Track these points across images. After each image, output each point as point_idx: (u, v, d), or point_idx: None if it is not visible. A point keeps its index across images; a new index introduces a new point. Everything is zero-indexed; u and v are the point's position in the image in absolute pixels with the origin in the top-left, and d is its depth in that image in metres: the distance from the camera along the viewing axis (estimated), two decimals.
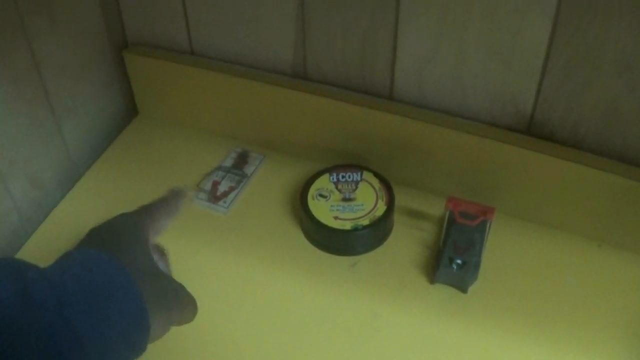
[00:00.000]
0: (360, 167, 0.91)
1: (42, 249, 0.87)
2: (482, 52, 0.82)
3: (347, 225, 0.85)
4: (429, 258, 0.86)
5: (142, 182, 0.95)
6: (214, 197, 0.93)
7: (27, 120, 0.87)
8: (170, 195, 0.71)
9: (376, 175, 0.90)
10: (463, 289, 0.82)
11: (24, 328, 0.46)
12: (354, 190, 0.89)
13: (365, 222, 0.85)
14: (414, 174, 0.92)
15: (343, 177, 0.90)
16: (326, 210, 0.87)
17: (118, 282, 0.53)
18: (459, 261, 0.81)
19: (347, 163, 0.92)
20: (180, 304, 0.61)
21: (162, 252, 0.67)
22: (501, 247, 0.86)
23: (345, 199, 0.88)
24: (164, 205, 0.69)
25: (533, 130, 0.86)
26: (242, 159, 0.98)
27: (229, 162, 0.97)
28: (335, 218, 0.86)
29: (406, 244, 0.88)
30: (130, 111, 1.06)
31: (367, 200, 0.87)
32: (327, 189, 0.89)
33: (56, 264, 0.53)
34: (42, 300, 0.48)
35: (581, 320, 0.79)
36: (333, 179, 0.90)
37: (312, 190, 0.89)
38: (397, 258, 0.86)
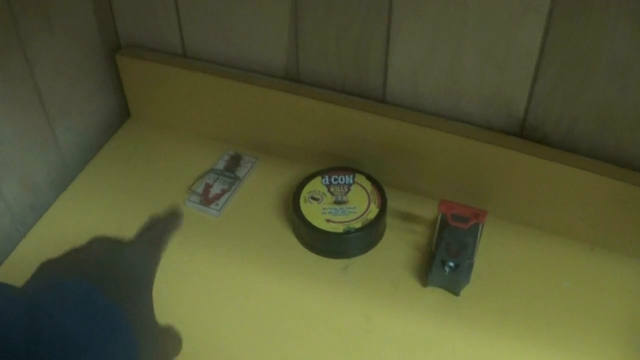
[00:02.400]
0: (352, 170, 0.91)
1: (34, 251, 0.87)
2: (476, 56, 0.82)
3: (340, 228, 0.85)
4: (421, 261, 0.86)
5: (134, 185, 0.95)
6: (206, 199, 0.93)
7: (20, 122, 0.87)
8: (173, 216, 0.69)
9: (368, 178, 0.90)
10: (455, 292, 0.82)
11: None
12: (346, 193, 0.88)
13: (358, 225, 0.85)
14: (406, 177, 0.92)
15: (335, 180, 0.90)
16: (318, 213, 0.87)
17: (115, 326, 0.51)
18: (451, 264, 0.81)
19: (339, 166, 0.92)
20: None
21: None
22: (494, 250, 0.86)
23: (337, 202, 0.88)
24: (170, 232, 0.67)
25: (526, 134, 0.86)
26: (234, 162, 0.98)
27: (221, 165, 0.97)
28: (328, 221, 0.86)
29: (399, 246, 0.87)
30: (123, 113, 1.06)
31: (360, 203, 0.87)
32: (319, 191, 0.89)
33: (55, 297, 0.51)
34: (51, 347, 0.47)
35: (574, 323, 0.80)
36: (325, 181, 0.90)
37: (305, 193, 0.89)
38: (390, 261, 0.86)
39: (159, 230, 0.65)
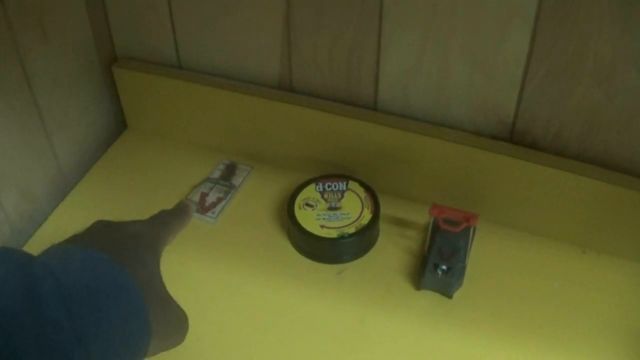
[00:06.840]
0: (345, 177, 0.92)
1: None
2: (464, 63, 0.83)
3: (334, 234, 0.86)
4: (414, 265, 0.87)
5: (131, 194, 0.96)
6: (202, 208, 0.94)
7: (18, 134, 0.88)
8: (181, 208, 0.71)
9: (361, 184, 0.91)
10: (448, 295, 0.83)
11: (26, 322, 0.45)
12: (339, 200, 0.90)
13: (351, 230, 0.86)
14: (398, 183, 0.93)
15: (329, 186, 0.91)
16: (313, 219, 0.88)
17: (120, 284, 0.52)
18: (443, 267, 0.82)
19: (333, 173, 0.93)
20: (180, 332, 0.61)
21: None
22: (486, 253, 0.87)
23: (331, 208, 0.89)
24: (177, 219, 0.69)
25: (516, 139, 0.88)
26: (230, 171, 0.99)
27: (216, 174, 0.99)
28: (322, 227, 0.87)
29: (392, 251, 0.89)
30: (119, 124, 1.07)
31: (353, 209, 0.89)
32: (313, 198, 0.90)
33: (57, 259, 0.51)
34: (48, 296, 0.47)
35: (566, 325, 0.80)
36: (319, 188, 0.91)
37: (299, 200, 0.90)
38: (383, 265, 0.87)
39: (164, 213, 0.67)
